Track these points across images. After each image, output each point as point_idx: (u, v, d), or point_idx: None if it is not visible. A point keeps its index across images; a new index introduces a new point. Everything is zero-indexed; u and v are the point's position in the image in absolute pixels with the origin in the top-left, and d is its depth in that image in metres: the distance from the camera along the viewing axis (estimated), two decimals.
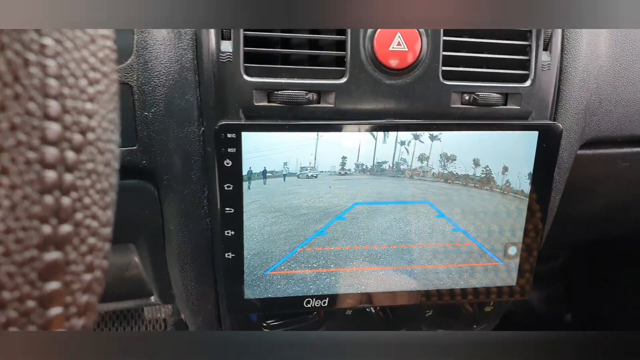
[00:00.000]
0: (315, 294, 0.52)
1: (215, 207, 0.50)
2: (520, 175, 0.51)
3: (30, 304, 0.16)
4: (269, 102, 0.47)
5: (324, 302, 0.53)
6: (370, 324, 0.59)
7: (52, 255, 0.16)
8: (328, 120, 0.48)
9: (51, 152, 0.16)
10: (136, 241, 0.61)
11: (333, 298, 0.53)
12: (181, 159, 0.50)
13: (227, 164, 0.47)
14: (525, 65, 0.51)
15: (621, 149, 0.65)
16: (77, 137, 0.17)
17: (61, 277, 0.17)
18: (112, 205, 0.19)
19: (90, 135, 0.17)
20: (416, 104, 0.49)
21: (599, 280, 1.39)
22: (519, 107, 0.51)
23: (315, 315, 0.58)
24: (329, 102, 0.48)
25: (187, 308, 0.60)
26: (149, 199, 0.52)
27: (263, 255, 0.50)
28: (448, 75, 0.50)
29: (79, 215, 0.17)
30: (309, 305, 0.53)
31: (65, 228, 0.17)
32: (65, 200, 0.17)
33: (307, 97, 0.47)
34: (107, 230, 0.19)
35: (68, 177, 0.17)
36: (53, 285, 0.17)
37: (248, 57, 0.47)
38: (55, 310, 0.17)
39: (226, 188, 0.48)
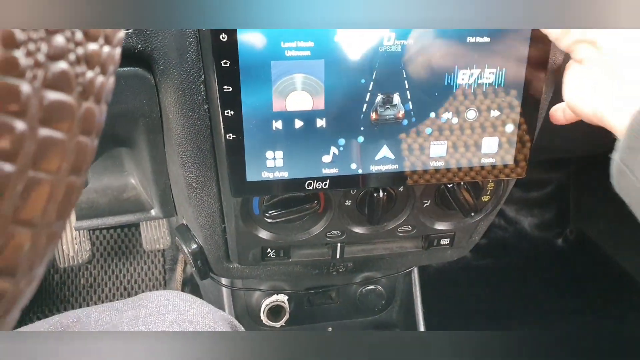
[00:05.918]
0: (316, 175, 0.53)
1: (214, 92, 0.50)
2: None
3: None
4: None
5: (325, 185, 0.53)
6: (367, 217, 0.60)
7: None
8: None
9: None
10: (135, 142, 0.61)
11: (333, 180, 0.53)
12: (176, 41, 0.49)
13: (223, 38, 0.46)
14: None
15: None
16: None
17: None
18: None
19: None
20: None
21: (589, 203, 1.42)
22: None
23: (315, 205, 0.59)
24: None
25: (190, 205, 0.60)
26: (146, 88, 0.52)
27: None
28: None
29: None
30: (310, 187, 0.53)
31: None
32: None
33: None
34: None
35: None
36: None
37: None
38: None
39: (223, 65, 0.47)
